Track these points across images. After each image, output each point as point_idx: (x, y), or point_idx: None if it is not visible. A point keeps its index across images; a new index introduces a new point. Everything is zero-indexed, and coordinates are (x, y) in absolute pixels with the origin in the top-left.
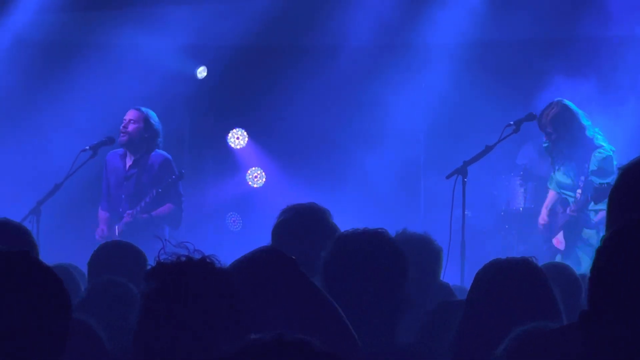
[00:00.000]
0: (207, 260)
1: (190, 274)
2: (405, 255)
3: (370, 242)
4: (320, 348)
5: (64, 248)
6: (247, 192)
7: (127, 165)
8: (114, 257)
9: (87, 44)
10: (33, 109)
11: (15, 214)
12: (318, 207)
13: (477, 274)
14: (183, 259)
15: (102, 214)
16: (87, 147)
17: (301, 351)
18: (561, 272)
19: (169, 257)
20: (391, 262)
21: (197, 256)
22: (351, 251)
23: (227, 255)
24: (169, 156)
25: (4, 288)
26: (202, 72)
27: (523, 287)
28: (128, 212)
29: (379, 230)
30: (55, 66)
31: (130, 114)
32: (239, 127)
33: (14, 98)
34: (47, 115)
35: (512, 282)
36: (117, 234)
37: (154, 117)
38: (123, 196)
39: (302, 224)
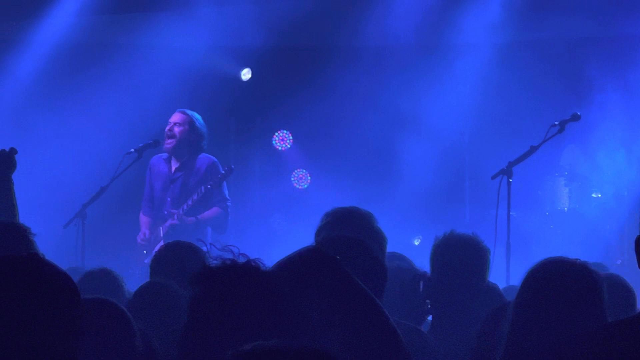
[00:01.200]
0: (252, 263)
1: (235, 278)
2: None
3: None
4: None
5: (108, 251)
6: (292, 194)
7: (173, 169)
8: (177, 257)
9: (126, 46)
10: (71, 111)
11: (59, 217)
12: (360, 211)
13: (531, 273)
14: (228, 262)
15: (144, 219)
16: (132, 150)
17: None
18: (616, 281)
19: (214, 261)
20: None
21: (242, 260)
22: None
23: (272, 257)
24: (215, 159)
25: (16, 292)
26: (246, 74)
27: (576, 291)
28: (172, 212)
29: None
30: (93, 68)
31: (176, 117)
32: (284, 129)
33: (52, 99)
34: (87, 117)
35: (566, 285)
36: (161, 235)
37: (199, 119)
38: (169, 199)
39: (344, 228)
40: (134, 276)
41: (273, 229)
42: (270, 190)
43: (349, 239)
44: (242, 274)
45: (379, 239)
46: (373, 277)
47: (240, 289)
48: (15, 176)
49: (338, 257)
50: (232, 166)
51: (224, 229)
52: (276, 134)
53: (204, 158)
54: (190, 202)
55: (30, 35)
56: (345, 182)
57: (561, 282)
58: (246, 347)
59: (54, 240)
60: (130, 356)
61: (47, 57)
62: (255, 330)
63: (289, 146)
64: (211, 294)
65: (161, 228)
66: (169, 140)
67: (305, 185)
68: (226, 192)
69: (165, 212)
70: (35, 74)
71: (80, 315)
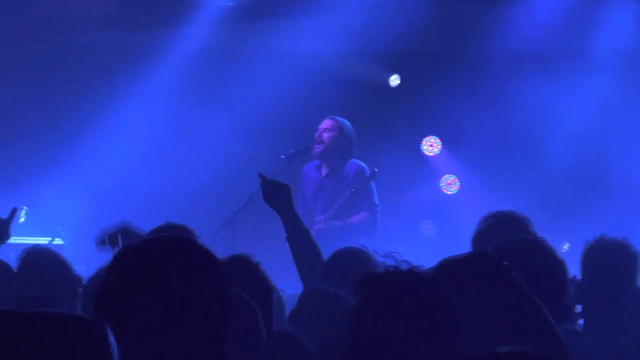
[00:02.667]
0: (416, 271)
1: (399, 285)
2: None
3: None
4: None
5: (257, 258)
6: (440, 199)
7: (322, 175)
8: (346, 264)
9: (269, 52)
10: (217, 117)
11: (209, 223)
12: (518, 216)
13: None
14: (392, 269)
15: None
16: (283, 157)
17: None
18: None
19: (378, 268)
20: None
21: (405, 266)
22: None
23: (422, 262)
24: (363, 165)
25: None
26: (395, 80)
27: None
28: (320, 217)
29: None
30: (236, 75)
31: (325, 123)
32: (433, 134)
33: (197, 106)
34: (234, 123)
35: None
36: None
37: (348, 125)
38: (319, 206)
39: (501, 233)
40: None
41: (422, 234)
42: (419, 195)
43: (529, 241)
44: (405, 281)
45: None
46: (554, 279)
47: (404, 296)
48: (172, 179)
49: (506, 263)
50: (376, 169)
51: (372, 234)
52: (425, 139)
53: (353, 164)
54: (335, 207)
55: (170, 43)
56: (495, 187)
57: None
58: (502, 349)
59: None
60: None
61: (187, 65)
62: (420, 337)
63: (437, 152)
64: (375, 301)
65: None
66: (318, 146)
67: (455, 191)
68: (375, 197)
69: (316, 219)
70: (175, 81)
71: (229, 300)
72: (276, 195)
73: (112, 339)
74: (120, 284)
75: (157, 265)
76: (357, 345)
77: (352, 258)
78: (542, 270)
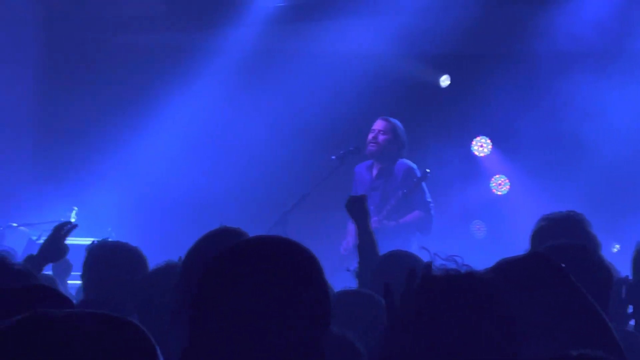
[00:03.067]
0: (476, 275)
1: (461, 289)
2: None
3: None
4: None
5: None
6: (491, 200)
7: (373, 176)
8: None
9: (320, 54)
10: (270, 116)
11: (262, 222)
12: (576, 216)
13: None
14: (452, 272)
15: (351, 227)
16: (334, 157)
17: None
18: None
19: (437, 271)
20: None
21: (464, 269)
22: None
23: (472, 263)
24: (412, 165)
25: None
26: (445, 80)
27: None
28: (374, 218)
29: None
30: (288, 75)
31: (379, 125)
32: (482, 134)
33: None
34: (285, 121)
35: None
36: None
37: (400, 127)
38: (372, 208)
39: (558, 233)
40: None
41: (472, 235)
42: (469, 196)
43: (574, 246)
44: (466, 284)
45: (595, 245)
46: (598, 284)
47: (466, 299)
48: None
49: (563, 264)
50: (428, 170)
51: (428, 231)
52: (475, 140)
53: (402, 164)
54: (388, 207)
55: (220, 44)
56: (545, 187)
57: None
58: (572, 352)
59: None
60: None
61: (237, 66)
62: (483, 340)
63: (488, 152)
64: (436, 303)
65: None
66: (372, 147)
67: (505, 191)
68: (427, 195)
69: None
70: (225, 82)
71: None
72: (353, 205)
73: (153, 340)
74: (220, 284)
75: (263, 265)
76: (417, 346)
77: (399, 261)
78: (585, 276)
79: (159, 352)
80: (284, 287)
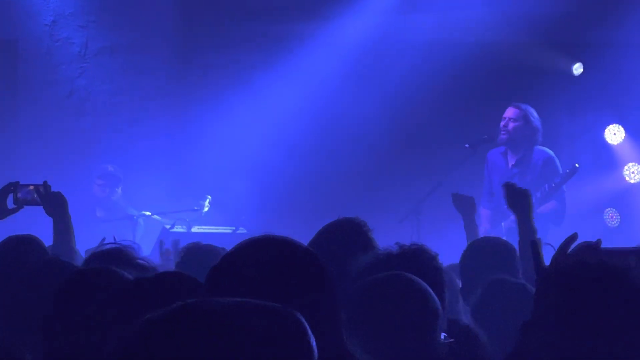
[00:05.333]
0: (615, 265)
1: (594, 278)
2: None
3: None
4: None
5: (442, 248)
6: (624, 188)
7: (510, 164)
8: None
9: (451, 43)
10: (385, 106)
11: (393, 212)
12: None
13: None
14: (593, 264)
15: (484, 212)
16: (467, 145)
17: None
18: None
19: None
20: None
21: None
22: None
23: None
24: (551, 154)
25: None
26: (578, 68)
27: None
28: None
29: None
30: (398, 67)
31: (510, 112)
32: (616, 122)
33: (367, 99)
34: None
35: None
36: (503, 230)
37: (533, 113)
38: None
39: None
40: None
41: (605, 223)
42: (602, 184)
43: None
44: (607, 274)
45: None
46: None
47: (602, 289)
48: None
49: None
50: (577, 165)
51: (560, 221)
52: (608, 127)
53: (540, 152)
54: (532, 199)
55: (326, 34)
56: None
57: None
58: None
59: (390, 234)
60: None
61: (352, 56)
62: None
63: (621, 140)
64: (570, 291)
65: (503, 224)
66: (503, 135)
67: (638, 179)
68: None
69: (505, 207)
70: (334, 71)
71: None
72: (461, 203)
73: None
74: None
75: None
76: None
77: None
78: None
79: (314, 345)
80: (289, 292)
